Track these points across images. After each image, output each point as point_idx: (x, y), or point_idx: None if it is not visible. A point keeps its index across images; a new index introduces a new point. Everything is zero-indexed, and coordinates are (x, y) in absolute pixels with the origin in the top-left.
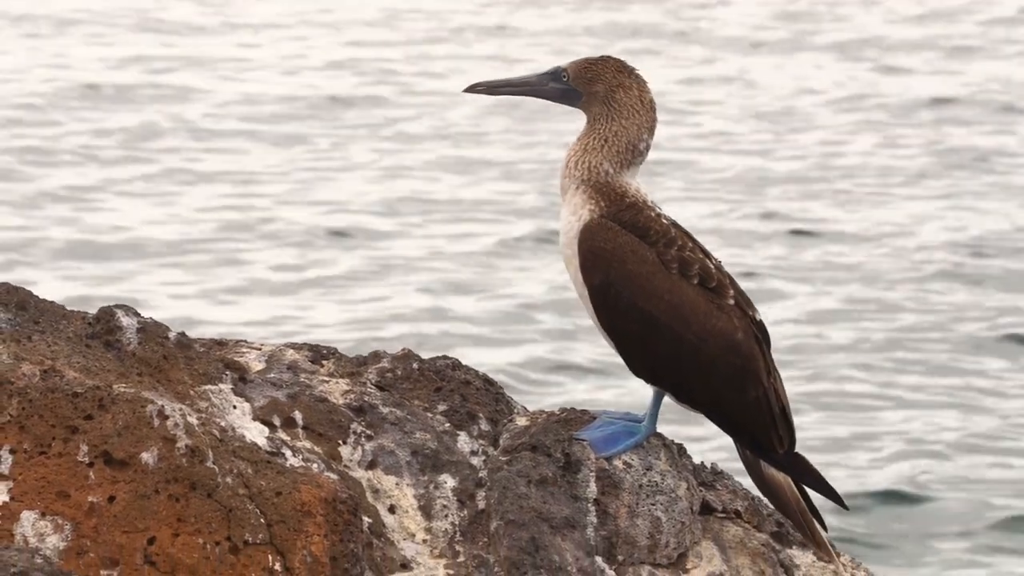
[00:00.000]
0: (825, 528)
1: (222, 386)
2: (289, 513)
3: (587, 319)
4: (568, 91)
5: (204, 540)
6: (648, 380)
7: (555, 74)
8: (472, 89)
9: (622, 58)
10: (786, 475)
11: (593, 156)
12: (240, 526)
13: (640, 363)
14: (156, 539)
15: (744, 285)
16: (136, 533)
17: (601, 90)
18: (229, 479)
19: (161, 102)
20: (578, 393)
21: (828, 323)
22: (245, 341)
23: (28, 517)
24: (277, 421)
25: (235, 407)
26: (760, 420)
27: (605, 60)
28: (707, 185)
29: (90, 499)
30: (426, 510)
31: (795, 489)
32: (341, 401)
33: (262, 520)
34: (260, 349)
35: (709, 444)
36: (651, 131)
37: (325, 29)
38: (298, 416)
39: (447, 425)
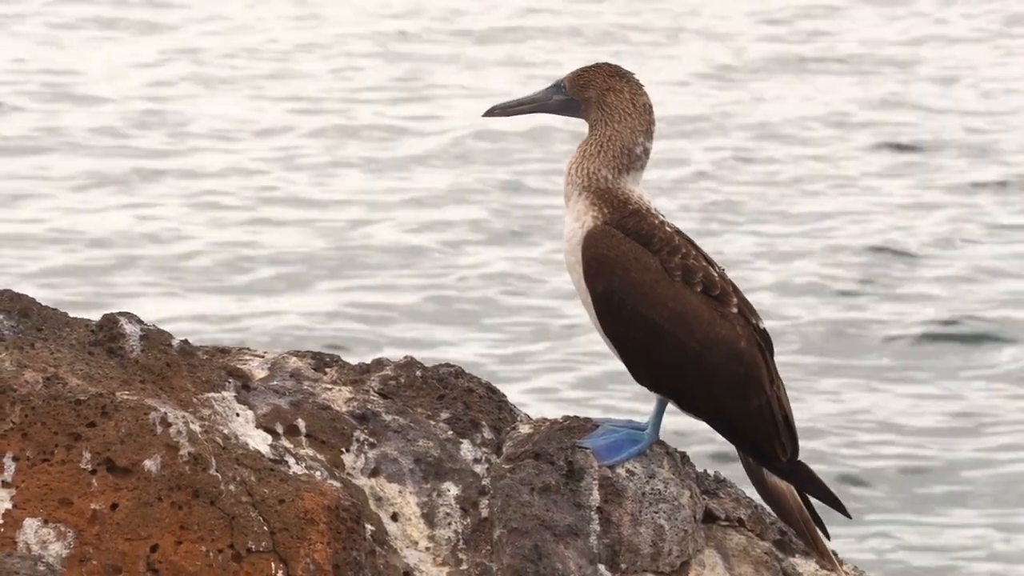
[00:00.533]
0: (828, 536)
1: (225, 393)
2: (292, 521)
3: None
4: (568, 102)
5: (207, 548)
6: (651, 388)
7: (557, 87)
8: (490, 113)
9: (618, 63)
10: (789, 483)
11: (591, 162)
12: (243, 534)
13: (643, 371)
14: (159, 547)
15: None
16: (139, 541)
17: (593, 95)
18: (232, 487)
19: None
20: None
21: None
22: (248, 348)
23: (31, 524)
24: (280, 429)
25: (238, 415)
26: (763, 428)
27: (597, 66)
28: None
29: (93, 506)
30: (429, 518)
31: (798, 497)
32: (344, 409)
33: (265, 528)
34: (263, 356)
35: (710, 450)
36: (647, 135)
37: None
38: (301, 424)
39: (450, 433)
